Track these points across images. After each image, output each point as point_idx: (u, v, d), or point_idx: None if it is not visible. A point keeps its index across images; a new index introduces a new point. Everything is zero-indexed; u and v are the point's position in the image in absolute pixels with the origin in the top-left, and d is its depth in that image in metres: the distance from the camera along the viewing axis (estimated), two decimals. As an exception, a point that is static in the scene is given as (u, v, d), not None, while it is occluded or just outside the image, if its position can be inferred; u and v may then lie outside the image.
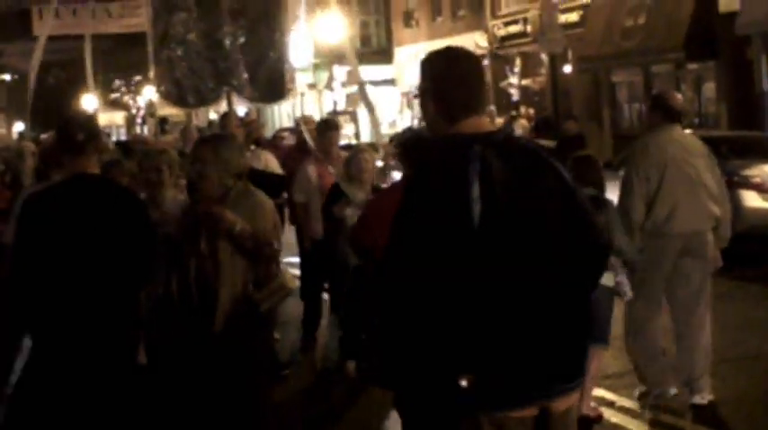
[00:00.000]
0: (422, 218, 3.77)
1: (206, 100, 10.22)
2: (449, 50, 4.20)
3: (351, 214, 9.53)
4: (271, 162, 9.92)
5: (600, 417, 8.13)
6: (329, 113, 35.10)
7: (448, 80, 4.00)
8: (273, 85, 10.11)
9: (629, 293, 8.25)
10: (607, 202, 8.16)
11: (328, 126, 11.32)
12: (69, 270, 5.88)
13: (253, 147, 10.37)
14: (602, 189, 8.26)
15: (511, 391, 3.79)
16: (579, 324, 3.97)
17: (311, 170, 10.66)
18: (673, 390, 8.51)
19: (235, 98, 10.00)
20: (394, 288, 3.79)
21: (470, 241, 3.68)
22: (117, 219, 6.03)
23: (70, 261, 5.89)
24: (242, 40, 9.86)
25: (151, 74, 10.46)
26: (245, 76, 9.80)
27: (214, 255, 6.05)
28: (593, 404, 8.24)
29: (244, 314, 6.07)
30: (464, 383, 3.69)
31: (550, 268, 3.81)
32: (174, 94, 10.06)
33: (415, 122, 39.62)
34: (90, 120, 6.62)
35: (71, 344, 5.85)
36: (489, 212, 3.69)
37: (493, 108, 33.18)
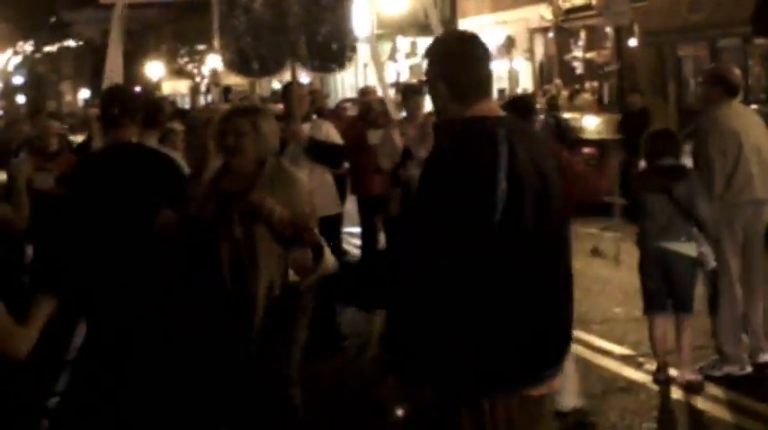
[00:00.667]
0: (448, 201, 3.71)
1: (270, 69, 10.25)
2: (461, 33, 4.24)
3: (416, 173, 9.58)
4: (332, 132, 9.90)
5: (702, 383, 8.14)
6: (392, 84, 35.06)
7: (462, 62, 3.96)
8: (334, 55, 10.12)
9: (711, 263, 8.31)
10: (690, 172, 8.23)
11: (413, 90, 11.34)
12: (101, 237, 6.00)
13: (314, 116, 10.37)
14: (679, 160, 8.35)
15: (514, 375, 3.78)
16: (571, 310, 3.96)
17: (395, 134, 10.65)
18: (748, 368, 8.54)
19: (298, 69, 10.03)
20: (412, 270, 3.77)
21: (493, 225, 3.66)
22: (146, 187, 6.10)
23: (101, 228, 6.01)
24: (305, 9, 9.88)
25: (216, 43, 10.50)
26: (306, 45, 9.83)
27: (250, 242, 5.50)
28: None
29: (283, 306, 5.62)
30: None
31: (562, 249, 3.83)
32: (239, 62, 10.11)
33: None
34: (126, 92, 6.73)
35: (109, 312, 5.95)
36: (515, 196, 3.67)
37: (558, 81, 33.02)
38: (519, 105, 7.46)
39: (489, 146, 3.71)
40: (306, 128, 9.58)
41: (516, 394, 3.79)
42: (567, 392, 7.35)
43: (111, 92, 6.99)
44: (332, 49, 10.06)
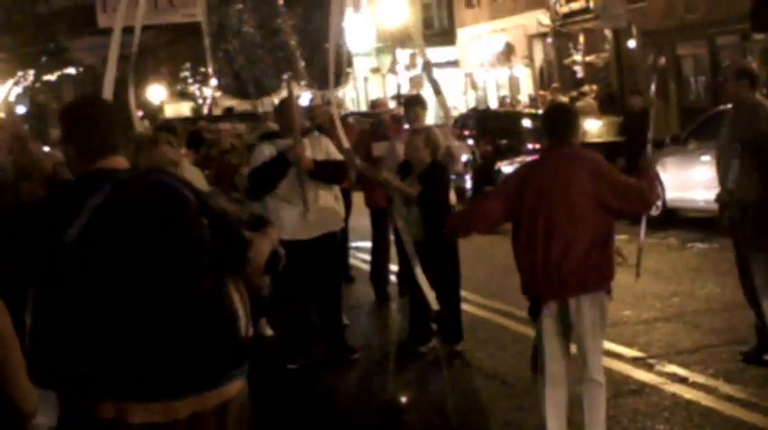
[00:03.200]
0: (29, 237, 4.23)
1: (266, 89, 10.26)
2: (86, 99, 5.19)
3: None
4: (331, 148, 9.88)
5: None
6: (393, 97, 35.06)
7: (84, 125, 4.44)
8: (330, 72, 10.12)
9: None
10: None
11: (414, 101, 11.40)
12: None
13: (316, 133, 10.35)
14: None
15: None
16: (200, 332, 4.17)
17: (399, 148, 10.67)
18: None
19: (295, 86, 10.02)
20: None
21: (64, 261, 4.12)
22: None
23: None
24: (297, 28, 9.89)
25: (209, 69, 10.53)
26: (303, 63, 9.83)
27: None
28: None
29: None
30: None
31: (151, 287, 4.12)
32: (234, 86, 10.14)
33: (474, 102, 39.54)
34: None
35: None
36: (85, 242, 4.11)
37: (556, 85, 33.00)
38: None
39: (83, 194, 4.21)
40: (306, 144, 9.55)
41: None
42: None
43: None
44: (328, 67, 10.06)
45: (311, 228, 9.42)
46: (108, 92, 8.39)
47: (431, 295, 9.40)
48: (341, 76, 10.17)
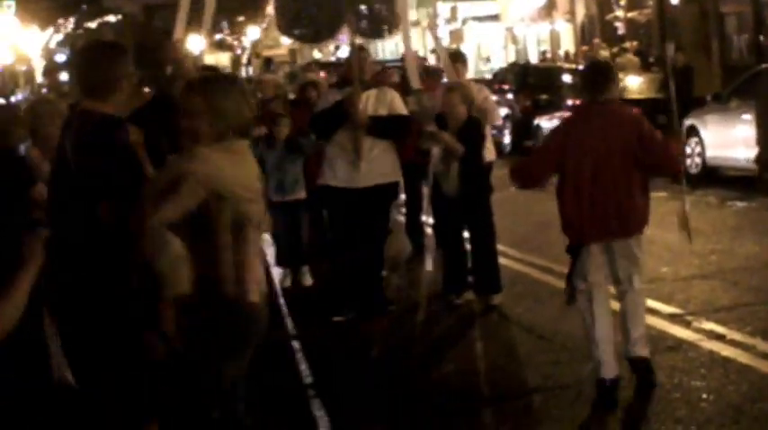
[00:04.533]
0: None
1: (322, 36, 10.14)
2: (82, 46, 5.95)
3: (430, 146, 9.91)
4: (396, 100, 9.66)
5: None
6: (432, 51, 34.92)
7: (78, 68, 5.38)
8: (385, 19, 9.94)
9: None
10: None
11: (456, 56, 11.39)
12: None
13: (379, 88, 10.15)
14: None
15: None
16: None
17: (430, 102, 10.64)
18: None
19: (356, 36, 9.79)
20: None
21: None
22: None
23: None
24: None
25: (269, 9, 10.44)
26: (360, 10, 9.67)
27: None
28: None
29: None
30: None
31: None
32: (294, 27, 10.01)
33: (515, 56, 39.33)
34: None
35: None
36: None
37: (597, 41, 32.80)
38: None
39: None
40: (371, 95, 9.44)
41: None
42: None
43: None
44: (382, 14, 9.89)
45: (362, 179, 9.36)
46: (180, 31, 8.27)
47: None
48: (394, 24, 9.96)
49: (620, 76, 23.74)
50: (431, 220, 11.16)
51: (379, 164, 9.42)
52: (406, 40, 10.53)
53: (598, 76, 7.39)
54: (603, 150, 7.05)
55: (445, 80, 12.04)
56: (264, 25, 58.50)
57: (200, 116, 5.01)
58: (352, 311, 9.74)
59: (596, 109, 7.25)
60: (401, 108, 9.58)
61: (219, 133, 5.01)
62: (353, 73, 9.36)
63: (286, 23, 10.05)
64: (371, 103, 9.43)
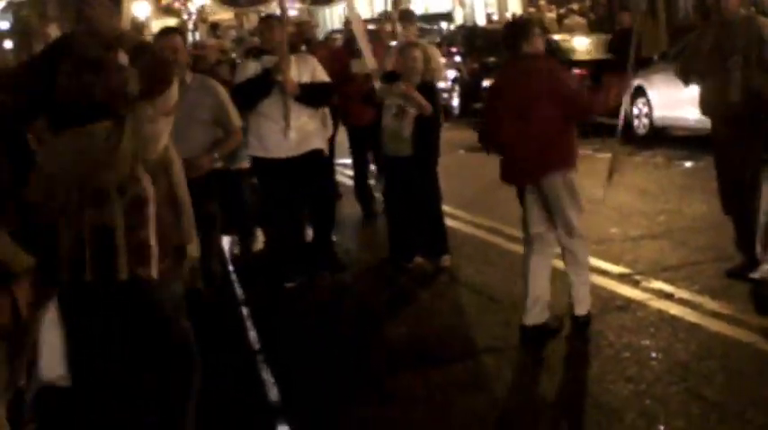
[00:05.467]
0: None
1: (257, 0, 10.11)
2: None
3: (388, 103, 9.75)
4: (318, 68, 9.67)
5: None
6: (380, 14, 34.78)
7: None
8: None
9: None
10: None
11: (409, 15, 11.42)
12: None
13: (303, 48, 10.21)
14: None
15: None
16: None
17: (390, 65, 10.63)
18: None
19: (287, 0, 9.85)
20: None
21: None
22: None
23: None
24: None
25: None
26: None
27: None
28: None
29: None
30: None
31: None
32: None
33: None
34: None
35: None
36: None
37: (543, 2, 32.77)
38: None
39: None
40: (293, 63, 9.37)
41: None
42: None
43: None
44: None
45: (293, 147, 9.34)
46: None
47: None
48: None
49: (567, 37, 23.92)
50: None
51: (307, 131, 9.38)
52: (350, 2, 10.49)
53: (515, 34, 7.88)
54: (522, 100, 7.58)
55: (393, 43, 12.03)
56: (211, -10, 58.15)
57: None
58: (301, 276, 9.71)
59: (515, 64, 7.85)
60: (322, 74, 9.57)
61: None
62: (275, 39, 9.33)
63: None
64: (294, 71, 9.35)
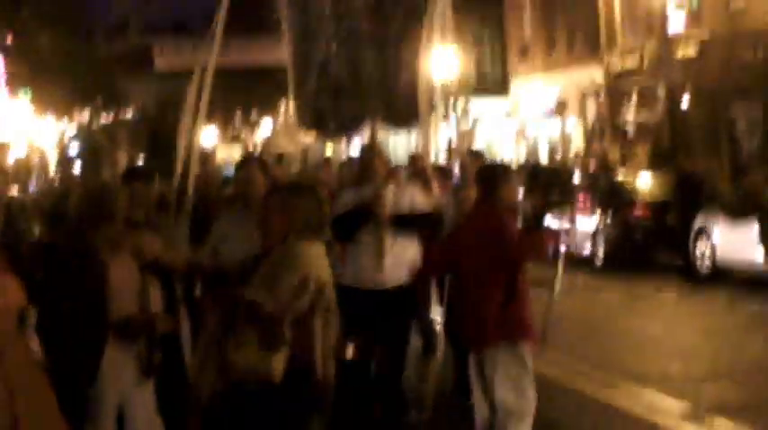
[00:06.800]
0: None
1: (346, 128, 10.10)
2: None
3: None
4: (417, 196, 9.35)
5: None
6: (446, 149, 35.12)
7: None
8: (413, 111, 9.76)
9: None
10: None
11: (477, 156, 11.42)
12: None
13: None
14: None
15: None
16: None
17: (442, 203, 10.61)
18: None
19: (378, 127, 9.64)
20: None
21: None
22: None
23: None
24: (383, 64, 9.68)
25: (290, 103, 10.47)
26: (384, 101, 9.57)
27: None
28: None
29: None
30: None
31: None
32: (314, 121, 9.97)
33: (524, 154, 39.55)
34: None
35: None
36: None
37: (606, 142, 33.01)
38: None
39: None
40: (389, 190, 9.00)
41: None
42: None
43: None
44: (410, 105, 9.72)
45: (387, 278, 9.02)
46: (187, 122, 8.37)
47: None
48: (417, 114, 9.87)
49: (629, 175, 24.04)
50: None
51: (402, 263, 9.06)
52: (425, 133, 10.53)
53: (485, 179, 7.59)
54: (474, 254, 7.25)
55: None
56: (279, 120, 59.02)
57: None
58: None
59: (480, 210, 7.51)
60: (422, 203, 9.28)
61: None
62: (373, 169, 9.03)
63: (306, 117, 10.02)
64: (390, 199, 8.97)
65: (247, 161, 8.42)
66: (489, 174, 7.69)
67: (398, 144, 44.50)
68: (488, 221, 7.32)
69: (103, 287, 6.11)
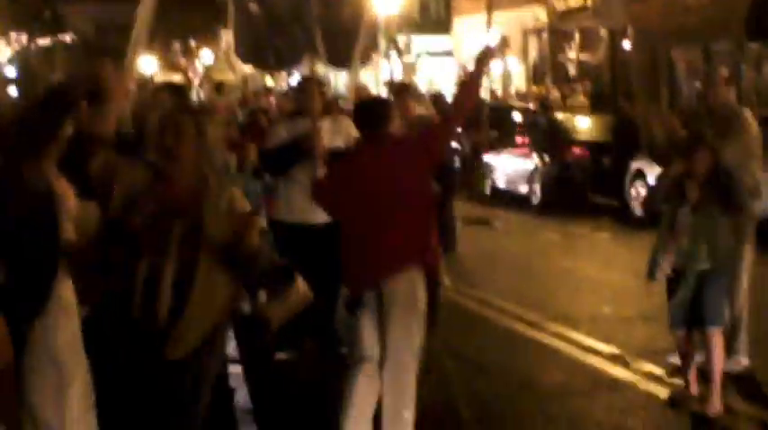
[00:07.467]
0: None
1: (285, 62, 9.98)
2: None
3: None
4: (351, 130, 9.31)
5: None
6: (385, 83, 35.01)
7: None
8: (347, 51, 9.71)
9: None
10: None
11: (404, 89, 11.22)
12: None
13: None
14: None
15: None
16: None
17: None
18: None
19: (317, 63, 9.53)
20: None
21: None
22: None
23: None
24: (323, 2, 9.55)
25: (227, 35, 10.41)
26: (324, 39, 9.45)
27: (188, 267, 5.26)
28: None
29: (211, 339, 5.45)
30: None
31: None
32: (254, 55, 9.85)
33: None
34: None
35: None
36: None
37: (548, 81, 33.07)
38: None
39: None
40: (325, 125, 9.05)
41: None
42: None
43: None
44: (350, 43, 9.62)
45: (319, 215, 8.92)
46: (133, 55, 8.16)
47: None
48: (367, 54, 9.80)
49: (569, 116, 24.13)
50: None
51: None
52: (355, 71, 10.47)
53: (368, 115, 7.26)
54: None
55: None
56: (219, 51, 58.51)
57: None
58: (295, 350, 9.44)
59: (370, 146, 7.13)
60: (355, 133, 9.25)
61: None
62: (310, 104, 8.93)
63: (246, 51, 9.94)
64: (327, 133, 9.01)
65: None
66: (369, 110, 7.35)
67: (339, 78, 44.30)
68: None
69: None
